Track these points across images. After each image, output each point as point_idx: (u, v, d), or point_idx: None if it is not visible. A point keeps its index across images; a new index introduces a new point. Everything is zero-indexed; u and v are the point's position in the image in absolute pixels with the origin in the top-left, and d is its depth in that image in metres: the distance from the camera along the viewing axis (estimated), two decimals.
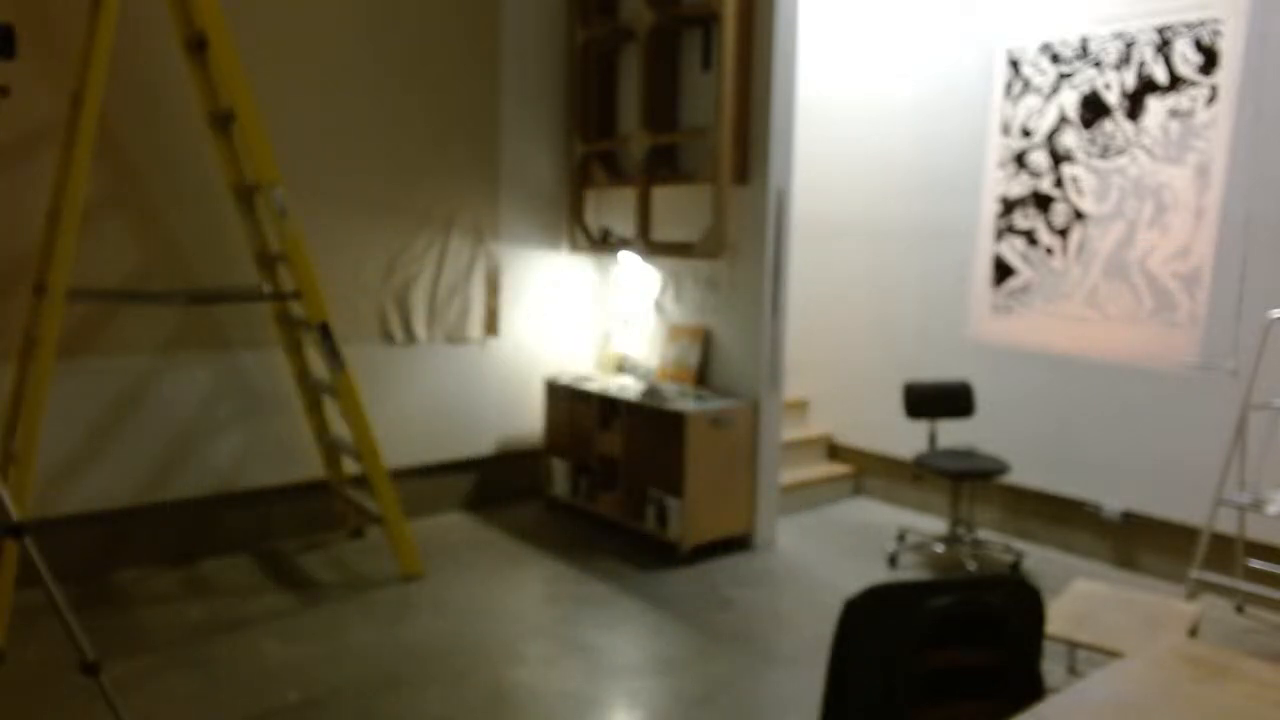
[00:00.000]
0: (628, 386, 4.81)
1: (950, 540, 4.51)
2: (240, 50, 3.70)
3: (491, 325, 5.10)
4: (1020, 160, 4.78)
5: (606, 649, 3.49)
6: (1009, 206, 4.84)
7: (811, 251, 5.64)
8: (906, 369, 5.13)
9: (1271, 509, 3.67)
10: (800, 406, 5.74)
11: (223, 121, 3.89)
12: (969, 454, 4.48)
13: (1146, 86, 4.30)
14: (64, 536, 3.82)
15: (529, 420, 5.31)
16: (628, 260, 5.22)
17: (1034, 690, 1.84)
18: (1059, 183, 4.63)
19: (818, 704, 1.88)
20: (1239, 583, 3.91)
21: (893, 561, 4.49)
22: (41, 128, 3.70)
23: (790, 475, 5.18)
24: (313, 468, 4.49)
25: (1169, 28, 4.20)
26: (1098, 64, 4.45)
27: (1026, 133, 4.74)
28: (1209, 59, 4.08)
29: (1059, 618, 2.90)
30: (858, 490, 5.63)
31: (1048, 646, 1.98)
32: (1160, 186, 4.27)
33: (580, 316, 5.49)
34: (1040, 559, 4.59)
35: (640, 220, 4.92)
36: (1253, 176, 3.97)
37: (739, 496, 4.55)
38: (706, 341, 4.80)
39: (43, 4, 3.68)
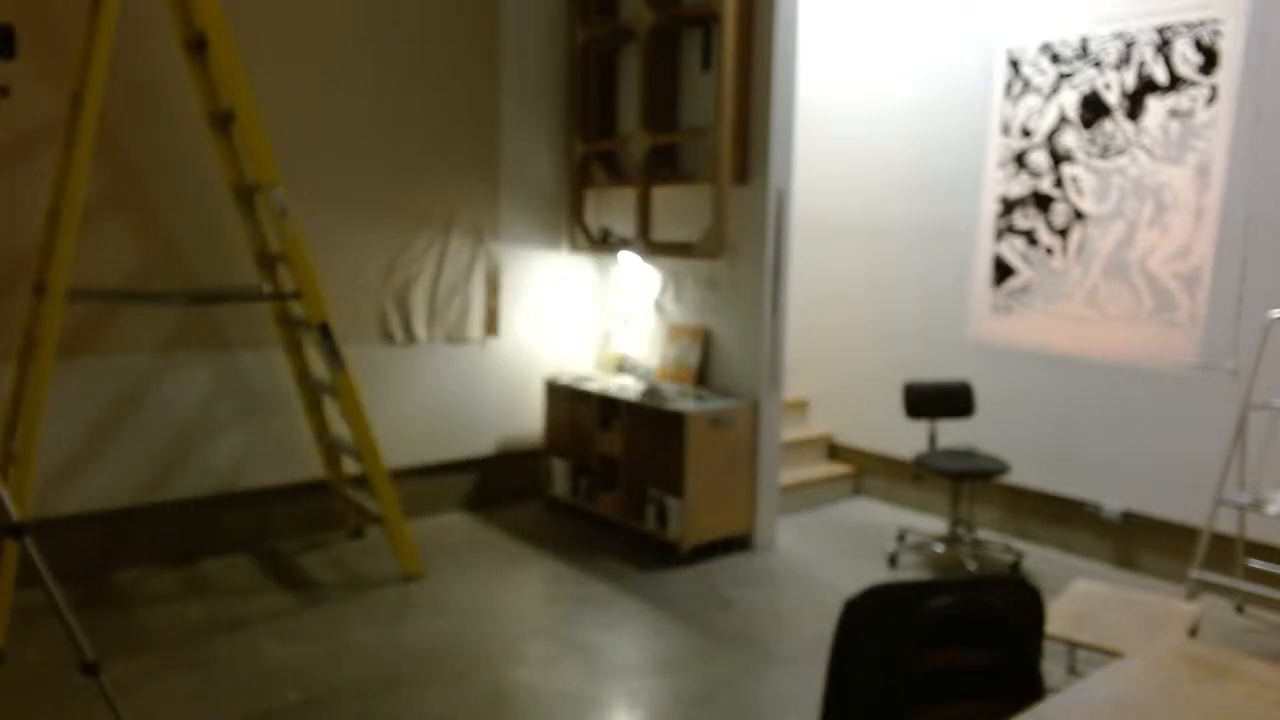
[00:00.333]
0: (628, 386, 4.81)
1: (950, 540, 4.51)
2: (240, 50, 3.70)
3: (491, 325, 5.10)
4: (1020, 160, 4.78)
5: (606, 649, 3.49)
6: (1009, 206, 4.84)
7: (811, 251, 5.64)
8: (906, 369, 5.13)
9: (1271, 509, 3.67)
10: (800, 406, 5.74)
11: (223, 121, 3.89)
12: (969, 454, 4.48)
13: (1146, 86, 4.30)
14: (64, 536, 3.82)
15: (529, 420, 5.31)
16: (628, 260, 5.22)
17: (1034, 690, 1.84)
18: (1059, 183, 4.63)
19: (818, 704, 1.88)
20: (1239, 583, 3.91)
21: (893, 561, 4.49)
22: (41, 128, 3.70)
23: (790, 475, 5.18)
24: (313, 468, 4.49)
25: (1169, 28, 4.20)
26: (1098, 64, 4.45)
27: (1026, 133, 4.74)
28: (1209, 59, 4.08)
29: (1059, 618, 2.90)
30: (858, 490, 5.63)
31: (1048, 646, 1.98)
32: (1160, 186, 4.27)
33: (580, 316, 5.49)
34: (1040, 559, 4.59)
35: (640, 220, 4.92)
36: (1253, 176, 3.97)
37: (739, 496, 4.55)
38: (706, 341, 4.80)
39: (43, 4, 3.68)
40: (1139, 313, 4.39)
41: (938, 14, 5.08)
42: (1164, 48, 4.22)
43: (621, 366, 5.32)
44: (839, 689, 1.82)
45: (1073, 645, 2.97)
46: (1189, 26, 4.14)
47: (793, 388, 5.30)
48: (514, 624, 3.69)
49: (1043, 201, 4.70)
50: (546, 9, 5.13)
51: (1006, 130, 4.82)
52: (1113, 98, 4.42)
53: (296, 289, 3.88)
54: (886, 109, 5.36)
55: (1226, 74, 4.03)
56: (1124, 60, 4.36)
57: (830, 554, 4.61)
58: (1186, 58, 4.15)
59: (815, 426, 5.78)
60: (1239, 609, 3.97)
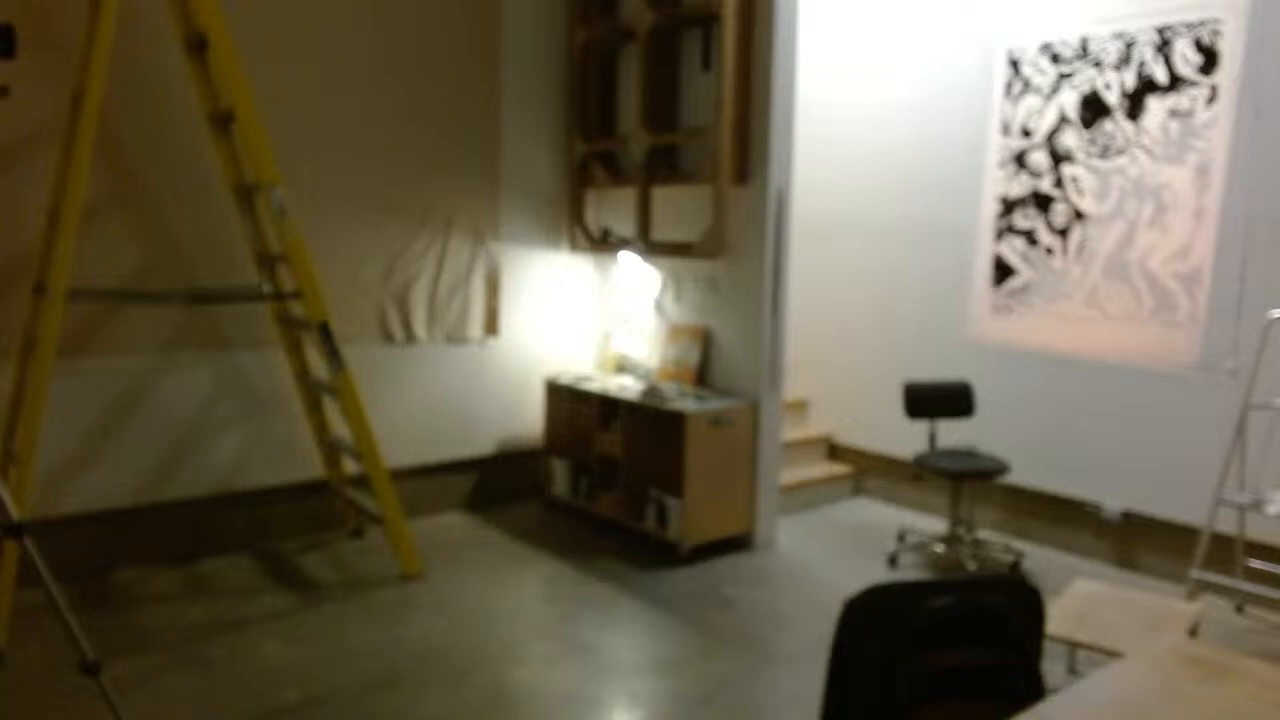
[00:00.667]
0: (628, 386, 4.81)
1: (950, 540, 4.51)
2: (240, 50, 3.70)
3: (491, 325, 5.10)
4: (1020, 160, 4.78)
5: (606, 649, 3.49)
6: (1009, 206, 4.84)
7: (811, 251, 5.64)
8: (906, 369, 5.13)
9: (1271, 509, 3.67)
10: (800, 406, 5.73)
11: (223, 121, 3.89)
12: (969, 454, 4.48)
13: (1146, 86, 4.30)
14: (64, 536, 3.82)
15: (529, 420, 5.31)
16: (628, 260, 5.22)
17: (1034, 690, 1.84)
18: (1059, 183, 4.63)
19: (818, 704, 1.88)
20: (1239, 583, 3.91)
21: (893, 561, 4.49)
22: (41, 128, 3.70)
23: (790, 475, 5.18)
24: (313, 468, 4.49)
25: (1169, 28, 4.20)
26: (1098, 64, 4.45)
27: (1026, 133, 4.74)
28: (1209, 59, 4.08)
29: (1059, 618, 2.90)
30: (858, 490, 5.63)
31: (1048, 646, 1.98)
32: (1160, 186, 4.27)
33: (580, 316, 5.49)
34: (1040, 559, 4.59)
35: (640, 220, 4.92)
36: (1253, 176, 3.97)
37: (739, 496, 4.55)
38: (706, 341, 4.80)
39: (43, 4, 3.68)
40: (1139, 313, 4.39)
41: (938, 14, 5.08)
42: (1164, 48, 4.22)
43: (621, 366, 5.32)
44: (839, 689, 1.82)
45: (1073, 645, 2.98)
46: (1189, 26, 4.14)
47: (793, 388, 5.29)
48: (514, 624, 3.69)
49: (1043, 201, 4.70)
50: (546, 9, 5.13)
51: (1006, 130, 4.82)
52: (1113, 98, 4.42)
53: (296, 289, 3.88)
54: (886, 109, 5.36)
55: (1226, 74, 4.03)
56: (1124, 60, 4.36)
57: (830, 554, 4.61)
58: (1186, 58, 4.15)
59: (815, 426, 5.78)
60: (1239, 609, 3.97)
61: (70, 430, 3.87)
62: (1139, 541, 4.44)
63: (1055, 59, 4.60)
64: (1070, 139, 4.58)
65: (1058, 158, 4.63)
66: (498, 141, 5.02)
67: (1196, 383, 4.19)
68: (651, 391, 4.58)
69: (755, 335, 4.54)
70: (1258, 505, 3.72)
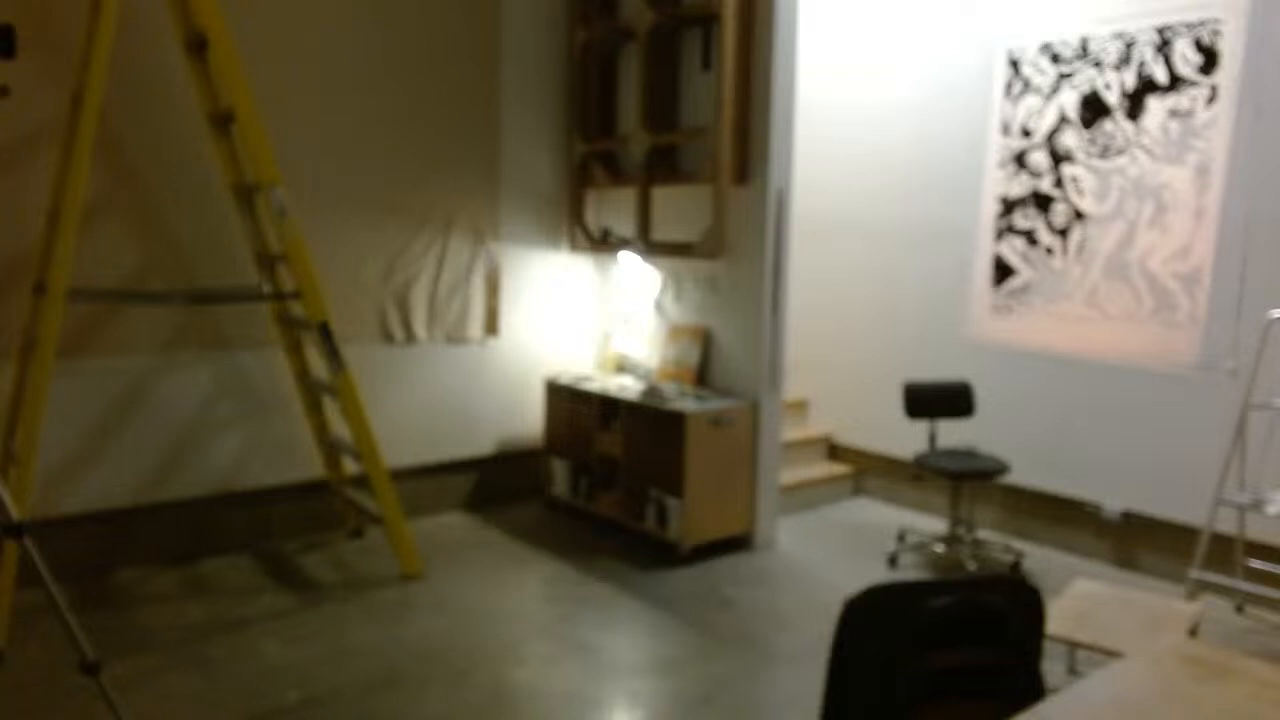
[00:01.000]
0: (628, 386, 4.81)
1: (950, 540, 4.51)
2: (240, 50, 3.70)
3: (491, 325, 5.10)
4: (1020, 160, 4.78)
5: (606, 649, 3.49)
6: (1009, 206, 4.84)
7: (811, 251, 5.64)
8: (906, 369, 5.13)
9: (1271, 509, 3.67)
10: (800, 406, 5.73)
11: (223, 121, 3.89)
12: (969, 454, 4.48)
13: (1146, 86, 4.30)
14: (64, 536, 3.82)
15: (529, 420, 5.31)
16: (628, 260, 5.22)
17: (1034, 690, 1.84)
18: (1059, 183, 4.63)
19: (818, 704, 1.88)
20: (1239, 583, 3.91)
21: (893, 561, 4.49)
22: (41, 128, 3.70)
23: (790, 475, 5.18)
24: (313, 468, 4.49)
25: (1169, 28, 4.20)
26: (1098, 64, 4.45)
27: (1026, 133, 4.74)
28: (1209, 59, 4.08)
29: (1059, 618, 2.90)
30: (858, 490, 5.63)
31: (1048, 646, 1.98)
32: (1160, 186, 4.27)
33: (580, 316, 5.49)
34: (1040, 559, 4.59)
35: (640, 220, 4.92)
36: (1253, 176, 3.97)
37: (739, 496, 4.55)
38: (706, 341, 4.80)
39: (43, 4, 3.68)
40: (1139, 313, 4.39)
41: (938, 14, 5.08)
42: (1164, 48, 4.22)
43: (621, 366, 5.32)
44: (839, 689, 1.82)
45: (1073, 645, 2.98)
46: (1189, 26, 4.14)
47: (793, 388, 5.29)
48: (514, 624, 3.69)
49: (1043, 201, 4.70)
50: (546, 9, 5.13)
51: (1006, 130, 4.82)
52: (1113, 98, 4.42)
53: (296, 289, 3.88)
54: (886, 109, 5.36)
55: (1226, 74, 4.03)
56: (1124, 60, 4.36)
57: (830, 554, 4.61)
58: (1186, 58, 4.15)
59: (815, 426, 5.78)
60: (1239, 609, 3.97)
61: (70, 430, 3.87)
62: (1139, 541, 4.44)
63: (1055, 59, 4.60)
64: (1070, 139, 4.58)
65: (1058, 158, 4.63)
66: (498, 141, 5.02)
67: (1196, 383, 4.19)
68: (651, 391, 4.58)
69: (755, 335, 4.54)
70: (1258, 505, 3.72)
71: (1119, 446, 4.45)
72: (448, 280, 4.90)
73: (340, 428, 4.22)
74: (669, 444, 4.35)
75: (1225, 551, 3.95)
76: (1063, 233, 4.63)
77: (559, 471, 5.07)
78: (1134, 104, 4.34)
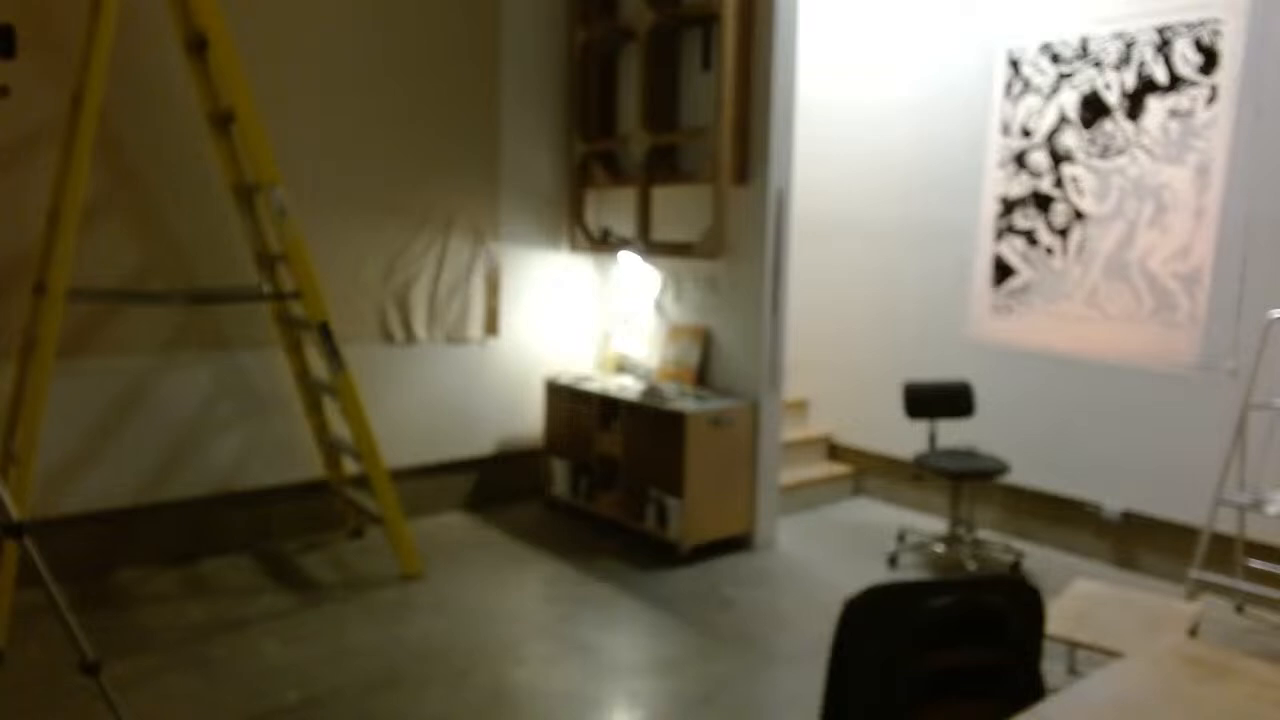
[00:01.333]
0: (628, 386, 4.81)
1: (950, 540, 4.51)
2: (240, 50, 3.70)
3: (491, 325, 5.10)
4: (1020, 160, 4.78)
5: (606, 649, 3.49)
6: (1009, 206, 4.84)
7: (811, 251, 5.64)
8: (906, 369, 5.13)
9: (1271, 509, 3.67)
10: (800, 406, 5.73)
11: (223, 121, 3.89)
12: (969, 454, 4.48)
13: (1146, 86, 4.30)
14: (64, 536, 3.82)
15: (529, 420, 5.31)
16: (628, 260, 5.22)
17: (1034, 690, 1.84)
18: (1059, 183, 4.63)
19: (818, 704, 1.88)
20: (1239, 583, 3.91)
21: (893, 561, 4.49)
22: (41, 128, 3.70)
23: (790, 475, 5.18)
24: (313, 468, 4.49)
25: (1169, 28, 4.20)
26: (1098, 64, 4.45)
27: (1026, 133, 4.74)
28: (1209, 59, 4.08)
29: (1059, 618, 2.90)
30: (858, 490, 5.63)
31: (1048, 646, 1.98)
32: (1160, 186, 4.27)
33: (580, 316, 5.49)
34: (1040, 559, 4.59)
35: (640, 220, 4.92)
36: (1253, 176, 3.97)
37: (739, 496, 4.55)
38: (706, 341, 4.80)
39: (43, 4, 3.68)
40: (1139, 313, 4.39)
41: (938, 14, 5.08)
42: (1164, 48, 4.22)
43: (621, 366, 5.32)
44: (839, 689, 1.82)
45: (1073, 645, 2.98)
46: (1189, 26, 4.14)
47: (793, 388, 5.29)
48: (514, 624, 3.69)
49: (1043, 201, 4.70)
50: (546, 9, 5.13)
51: (1006, 130, 4.82)
52: (1113, 98, 4.42)
53: (296, 289, 3.88)
54: (886, 109, 5.36)
55: (1226, 74, 4.03)
56: (1124, 60, 4.36)
57: (830, 554, 4.61)
58: (1186, 58, 4.15)
59: (815, 426, 5.78)
60: (1239, 609, 3.97)
61: (70, 430, 3.87)
62: (1139, 541, 4.44)
63: (1055, 59, 4.60)
64: (1070, 139, 4.57)
65: (1058, 158, 4.63)
66: (498, 141, 5.01)
67: (1196, 383, 4.18)
68: (651, 391, 4.58)
69: (755, 335, 4.54)
70: (1258, 505, 3.72)
71: (1119, 446, 4.45)
72: (448, 280, 4.90)
73: (340, 428, 4.22)
74: (669, 444, 4.35)
75: (1225, 551, 3.95)
76: (1063, 233, 4.63)
77: (559, 471, 5.07)
78: (1134, 104, 4.34)
